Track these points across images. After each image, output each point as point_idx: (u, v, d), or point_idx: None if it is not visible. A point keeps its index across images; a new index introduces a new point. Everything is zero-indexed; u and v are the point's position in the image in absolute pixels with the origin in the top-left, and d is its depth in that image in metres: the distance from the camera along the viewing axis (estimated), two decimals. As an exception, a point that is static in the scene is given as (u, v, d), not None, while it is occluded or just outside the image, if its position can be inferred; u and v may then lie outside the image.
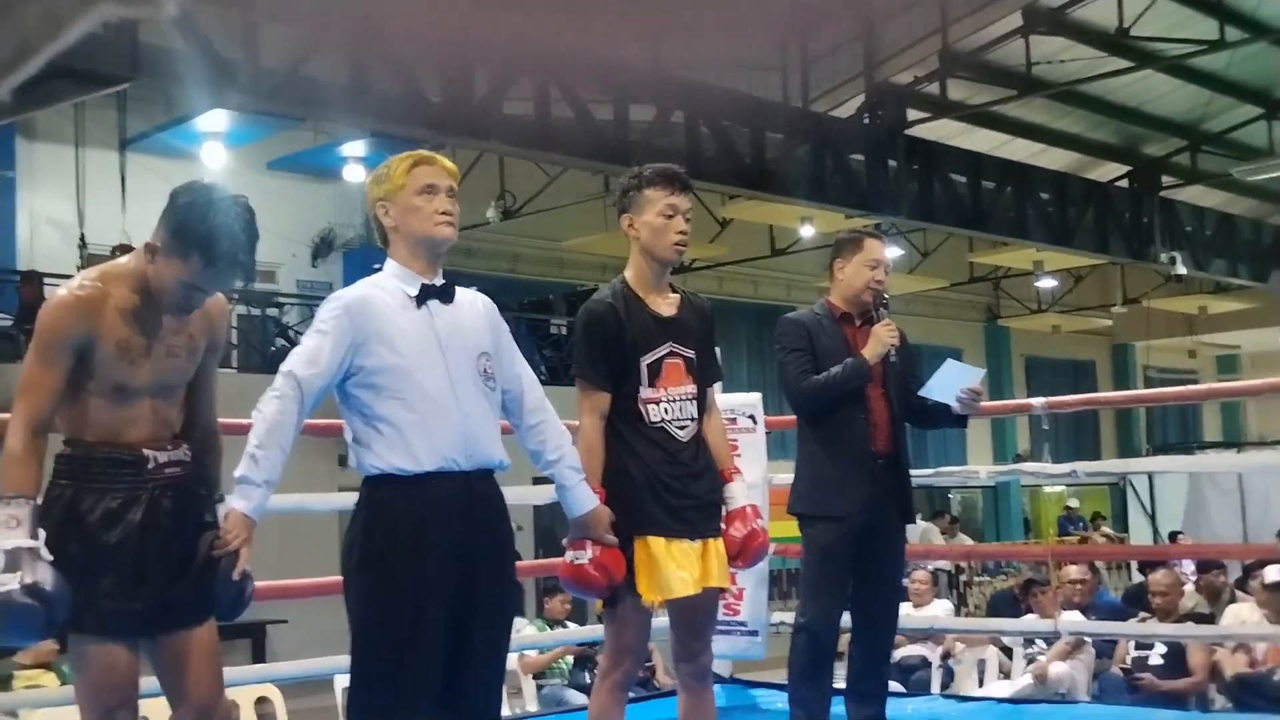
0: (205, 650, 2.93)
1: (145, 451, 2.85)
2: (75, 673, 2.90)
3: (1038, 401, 5.93)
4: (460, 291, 3.23)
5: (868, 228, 17.27)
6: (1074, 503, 22.21)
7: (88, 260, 12.27)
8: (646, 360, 3.54)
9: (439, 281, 3.18)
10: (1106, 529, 20.82)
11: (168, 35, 9.26)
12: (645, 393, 3.53)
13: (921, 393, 4.37)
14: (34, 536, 2.69)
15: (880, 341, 4.26)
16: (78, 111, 12.51)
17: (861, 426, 4.27)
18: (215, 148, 12.19)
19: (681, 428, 3.56)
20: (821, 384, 4.18)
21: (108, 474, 2.83)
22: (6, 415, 2.85)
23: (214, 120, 11.65)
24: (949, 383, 4.36)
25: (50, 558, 2.69)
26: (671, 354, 3.58)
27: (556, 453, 3.32)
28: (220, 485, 3.06)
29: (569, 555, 3.44)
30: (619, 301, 3.59)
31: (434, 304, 3.15)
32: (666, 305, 3.63)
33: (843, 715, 4.39)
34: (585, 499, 3.38)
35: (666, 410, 3.54)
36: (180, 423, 2.97)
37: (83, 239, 12.72)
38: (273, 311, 14.71)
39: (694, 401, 3.59)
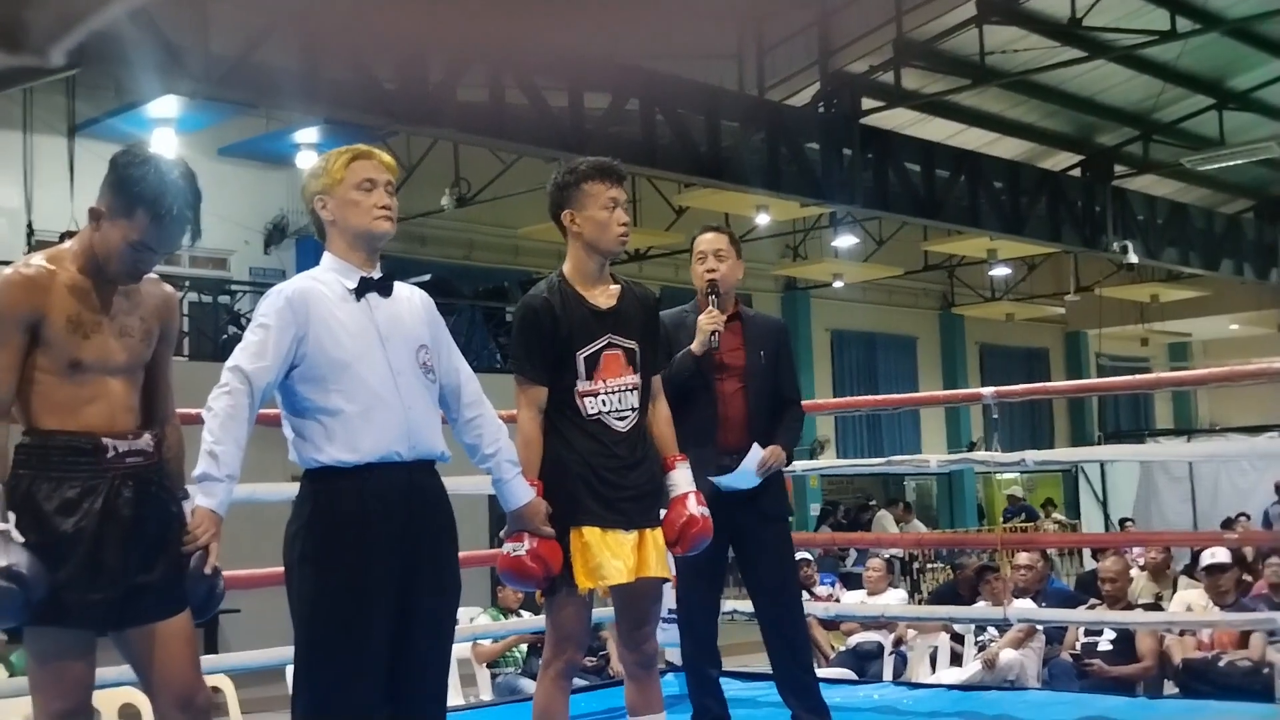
0: (178, 639, 2.90)
1: (104, 440, 2.83)
2: (31, 666, 2.87)
3: (987, 391, 5.96)
4: (398, 285, 3.23)
5: (823, 215, 17.20)
6: (1018, 491, 22.40)
7: (35, 247, 12.13)
8: (583, 353, 3.54)
9: (377, 274, 3.18)
10: (1059, 515, 21.02)
11: (117, 21, 9.16)
12: (582, 385, 3.53)
13: (723, 482, 4.30)
14: (4, 519, 2.68)
15: (701, 330, 4.30)
16: (26, 97, 12.37)
17: (707, 421, 4.29)
18: (166, 134, 12.06)
19: (621, 418, 3.55)
20: (662, 377, 4.19)
21: (66, 462, 2.80)
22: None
23: (165, 106, 11.53)
24: (749, 471, 4.32)
25: (22, 539, 2.68)
26: (610, 345, 3.57)
27: (493, 446, 3.32)
28: (185, 479, 3.03)
29: (507, 548, 3.45)
30: (555, 296, 3.58)
31: (373, 297, 3.15)
32: (605, 297, 3.62)
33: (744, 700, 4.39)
34: (522, 492, 3.38)
35: (605, 402, 3.54)
36: (140, 411, 2.94)
37: (30, 226, 12.58)
38: (224, 299, 14.61)
39: (635, 392, 3.59)
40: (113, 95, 12.12)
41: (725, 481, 4.26)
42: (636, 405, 3.59)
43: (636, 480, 3.57)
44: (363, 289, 3.13)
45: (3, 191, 13.46)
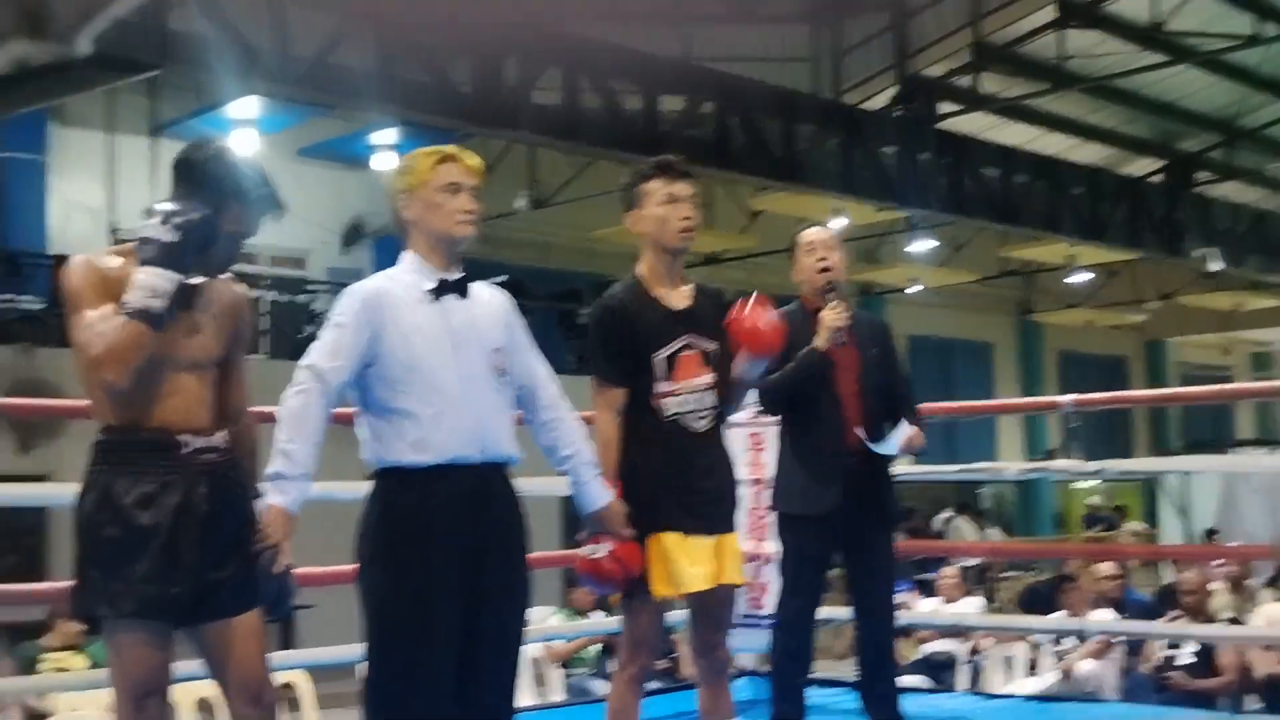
0: (250, 634, 2.91)
1: (180, 436, 2.84)
2: (110, 658, 2.89)
3: (1066, 399, 5.86)
4: (477, 286, 3.21)
5: (899, 220, 17.12)
6: (1096, 500, 22.08)
7: (118, 245, 12.32)
8: (660, 355, 3.51)
9: (456, 276, 3.16)
10: (1135, 524, 20.70)
11: (198, 23, 9.28)
12: (660, 387, 3.50)
13: (875, 448, 4.26)
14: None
15: (826, 326, 4.17)
16: (109, 97, 12.56)
17: (832, 422, 4.22)
18: (246, 134, 12.19)
19: (700, 418, 3.52)
20: (776, 382, 4.10)
21: (143, 458, 2.82)
22: (70, 402, 2.83)
23: (245, 107, 11.67)
24: (891, 446, 4.28)
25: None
26: (688, 347, 3.54)
27: (570, 448, 3.30)
28: (259, 476, 3.04)
29: (585, 550, 3.42)
30: (630, 297, 3.56)
31: (449, 298, 3.13)
32: (680, 298, 3.59)
33: (820, 706, 4.37)
34: (599, 494, 3.36)
35: (683, 403, 3.50)
36: (215, 409, 2.95)
37: (113, 224, 12.75)
38: (302, 298, 14.74)
39: (712, 392, 3.55)
40: (194, 96, 12.27)
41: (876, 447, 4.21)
42: (714, 405, 3.55)
43: (714, 483, 3.54)
44: (440, 290, 3.13)
45: (87, 190, 13.69)
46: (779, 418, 4.38)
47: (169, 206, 2.77)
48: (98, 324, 2.75)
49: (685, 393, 3.51)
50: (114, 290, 2.79)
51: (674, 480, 3.47)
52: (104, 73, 9.52)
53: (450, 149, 3.19)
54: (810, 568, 4.17)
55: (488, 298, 3.23)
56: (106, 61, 9.14)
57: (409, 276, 3.14)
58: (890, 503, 4.39)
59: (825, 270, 4.28)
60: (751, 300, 3.59)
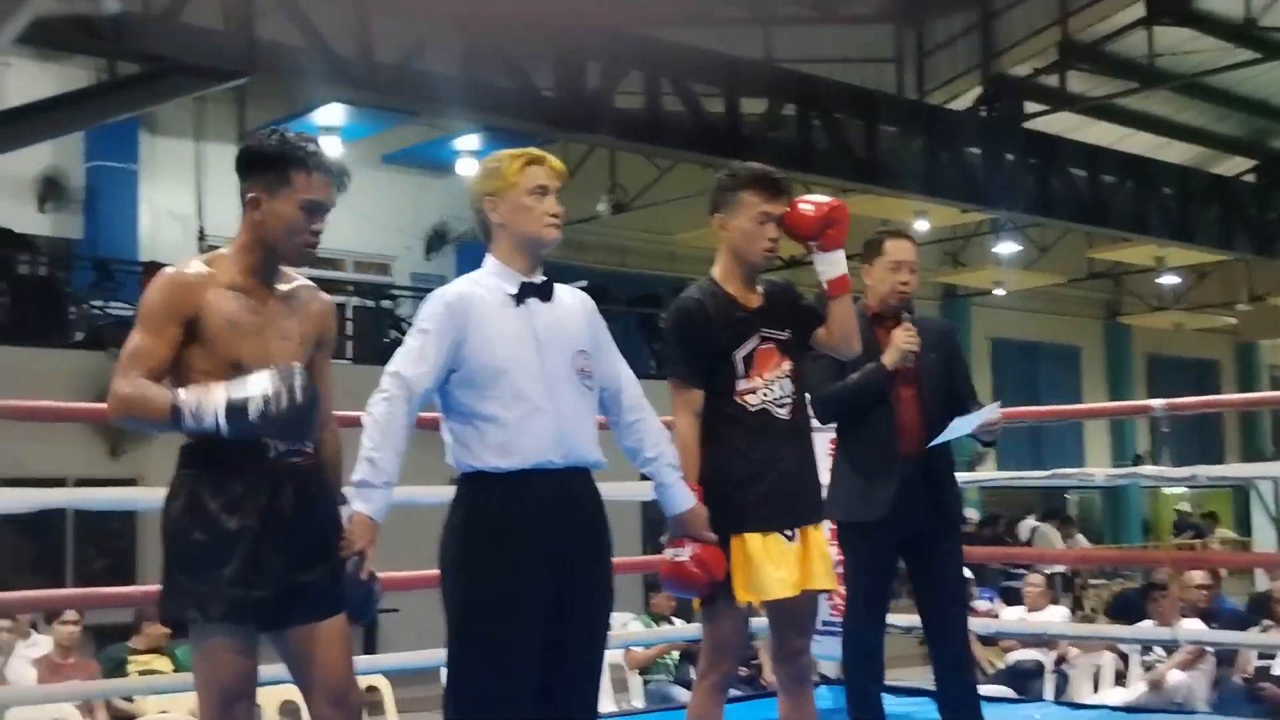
0: (335, 638, 2.92)
1: (265, 441, 2.85)
2: (196, 661, 2.91)
3: (1157, 403, 5.75)
4: (560, 289, 3.21)
5: (984, 222, 16.85)
6: (1186, 506, 21.71)
7: (207, 251, 12.52)
8: (739, 353, 3.51)
9: (539, 279, 3.16)
10: (1226, 531, 20.32)
11: (285, 31, 9.40)
12: (741, 385, 3.50)
13: (934, 443, 4.20)
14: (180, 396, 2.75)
15: (896, 348, 4.14)
16: (198, 106, 12.77)
17: (887, 430, 4.17)
18: (331, 141, 12.32)
19: (782, 406, 3.52)
20: (838, 393, 4.06)
21: (230, 462, 2.83)
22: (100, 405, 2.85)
23: (330, 114, 11.81)
24: (964, 425, 4.21)
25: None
26: (763, 341, 3.54)
27: (654, 450, 3.29)
28: (342, 482, 3.06)
29: (668, 554, 3.40)
30: (707, 297, 3.56)
31: (533, 302, 3.13)
32: (754, 298, 3.59)
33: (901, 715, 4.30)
34: (683, 497, 3.35)
35: (765, 394, 3.50)
36: None
37: (202, 231, 12.98)
38: (387, 304, 14.88)
39: (790, 379, 3.55)
40: (281, 104, 12.44)
41: (947, 434, 4.18)
42: (794, 391, 3.54)
43: (798, 471, 3.52)
44: (523, 294, 3.12)
45: (176, 197, 13.92)
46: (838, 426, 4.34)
47: (270, 389, 2.73)
48: (144, 386, 2.77)
49: (765, 386, 3.51)
50: (184, 309, 2.83)
51: (757, 478, 3.45)
52: (192, 81, 9.67)
53: (536, 151, 3.18)
54: (871, 575, 4.11)
55: (570, 301, 3.22)
56: (195, 70, 9.29)
57: (492, 280, 3.14)
58: (950, 506, 4.33)
59: (903, 291, 4.25)
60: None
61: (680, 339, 3.55)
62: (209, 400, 2.72)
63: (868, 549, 4.13)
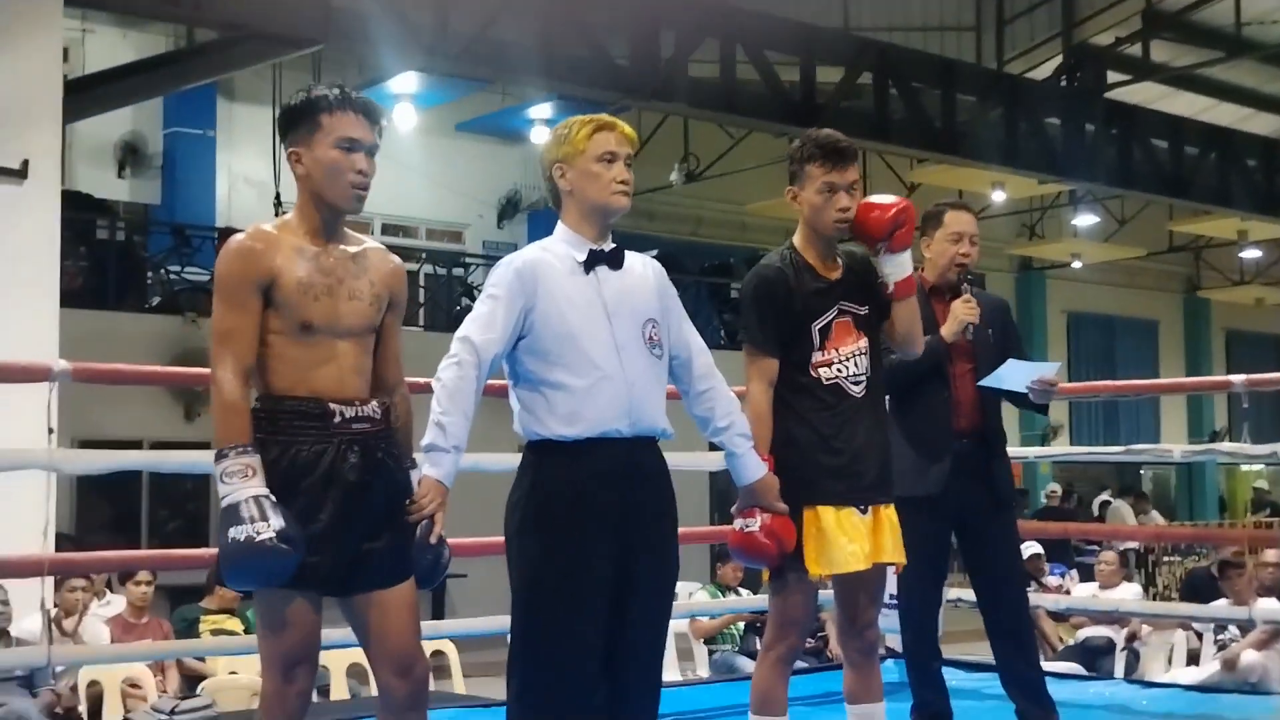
0: (402, 606, 2.92)
1: (331, 405, 2.85)
2: (260, 624, 2.92)
3: (1238, 379, 5.65)
4: (630, 256, 3.19)
5: (1062, 193, 16.64)
6: (1263, 484, 21.35)
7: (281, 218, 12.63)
8: (816, 324, 3.48)
9: (608, 247, 3.14)
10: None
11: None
12: (817, 356, 3.47)
13: (984, 383, 4.17)
14: (262, 484, 2.74)
15: (957, 319, 4.10)
16: (275, 73, 12.85)
17: (942, 405, 4.14)
18: (406, 109, 12.38)
19: (856, 382, 3.48)
20: (895, 366, 3.98)
21: (294, 426, 2.83)
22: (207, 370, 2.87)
23: (405, 82, 11.83)
24: (1019, 374, 4.16)
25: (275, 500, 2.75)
26: (840, 314, 3.51)
27: (725, 419, 3.27)
28: (413, 448, 3.06)
29: (738, 524, 3.38)
30: (788, 266, 3.52)
31: (602, 270, 3.11)
32: (833, 269, 3.56)
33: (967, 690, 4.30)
34: (754, 466, 3.32)
35: (840, 369, 3.47)
36: (369, 378, 2.97)
37: (278, 197, 13.07)
38: (459, 271, 14.96)
39: (865, 356, 3.52)
40: (356, 71, 12.50)
41: (1001, 374, 4.14)
42: (869, 369, 3.51)
43: (872, 449, 3.48)
44: (592, 261, 3.11)
45: (252, 163, 14.05)
46: (891, 400, 4.30)
47: (254, 534, 2.69)
48: (236, 402, 2.80)
49: (840, 360, 3.48)
50: (259, 277, 2.83)
51: (831, 452, 3.42)
52: (269, 47, 9.73)
53: (606, 117, 3.16)
54: (926, 551, 4.05)
55: (641, 269, 3.20)
56: (271, 37, 9.35)
57: (562, 247, 3.13)
58: (1002, 482, 4.30)
59: (963, 263, 4.21)
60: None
61: (758, 307, 3.53)
62: (243, 485, 2.73)
63: (922, 524, 4.08)
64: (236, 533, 2.68)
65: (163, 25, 12.63)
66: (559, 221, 3.18)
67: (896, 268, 3.54)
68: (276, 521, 2.69)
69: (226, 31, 9.64)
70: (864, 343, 3.52)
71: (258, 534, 2.67)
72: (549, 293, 3.05)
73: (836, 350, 3.48)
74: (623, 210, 3.14)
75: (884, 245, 3.51)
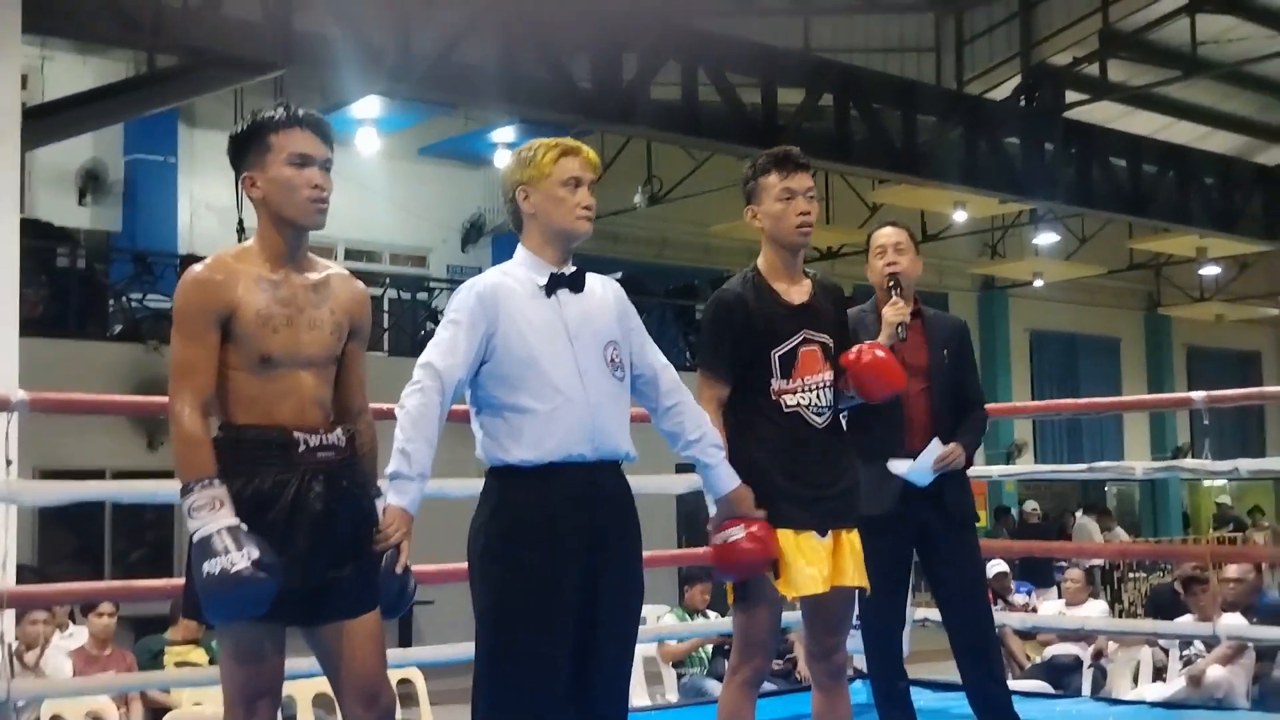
0: (368, 636, 2.90)
1: (295, 434, 2.83)
2: (223, 657, 2.90)
3: (1198, 395, 5.69)
4: (590, 278, 3.18)
5: (1023, 212, 16.73)
6: (1225, 499, 21.51)
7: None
8: (779, 351, 3.47)
9: (569, 270, 3.14)
10: (1269, 524, 20.12)
11: (321, 23, 9.41)
12: (778, 384, 3.46)
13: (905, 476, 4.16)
14: (231, 514, 2.71)
15: (888, 322, 4.03)
16: (236, 98, 12.80)
17: (896, 424, 4.13)
18: (368, 134, 12.34)
19: (819, 414, 3.48)
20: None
21: (257, 456, 2.81)
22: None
23: (367, 107, 11.80)
24: (921, 466, 4.14)
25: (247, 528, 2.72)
26: (806, 341, 3.50)
27: (696, 432, 3.26)
28: (378, 475, 3.04)
29: (719, 538, 3.35)
30: (748, 290, 3.52)
31: (564, 293, 3.11)
32: (799, 292, 3.55)
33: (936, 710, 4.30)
34: (728, 476, 3.32)
35: (802, 399, 3.47)
36: (332, 406, 2.95)
37: (241, 224, 13.02)
38: (423, 296, 14.91)
39: (831, 389, 3.52)
40: (318, 96, 12.46)
41: (901, 472, 4.13)
42: (832, 402, 3.52)
43: (833, 478, 3.48)
44: (553, 285, 3.10)
45: (215, 189, 13.98)
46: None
47: (230, 566, 2.66)
48: (197, 435, 2.77)
49: (804, 390, 3.47)
50: (219, 309, 2.81)
51: (790, 476, 3.42)
52: (230, 73, 9.70)
53: (570, 141, 3.16)
54: (882, 569, 4.03)
55: (601, 291, 3.20)
56: (232, 62, 9.32)
57: (522, 271, 3.12)
58: (958, 502, 4.27)
59: (892, 270, 4.20)
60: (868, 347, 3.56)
61: (714, 330, 3.53)
62: (213, 518, 2.69)
63: (878, 543, 4.08)
64: (211, 566, 2.65)
65: (123, 51, 12.57)
66: (519, 245, 3.18)
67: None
68: (251, 550, 2.66)
69: (187, 57, 9.61)
70: (829, 375, 3.52)
71: (233, 565, 2.64)
72: (510, 317, 3.04)
73: (803, 380, 3.47)
74: (585, 235, 3.14)
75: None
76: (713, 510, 3.38)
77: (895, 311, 4.07)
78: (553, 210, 3.10)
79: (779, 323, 3.49)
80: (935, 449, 4.10)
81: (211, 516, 2.69)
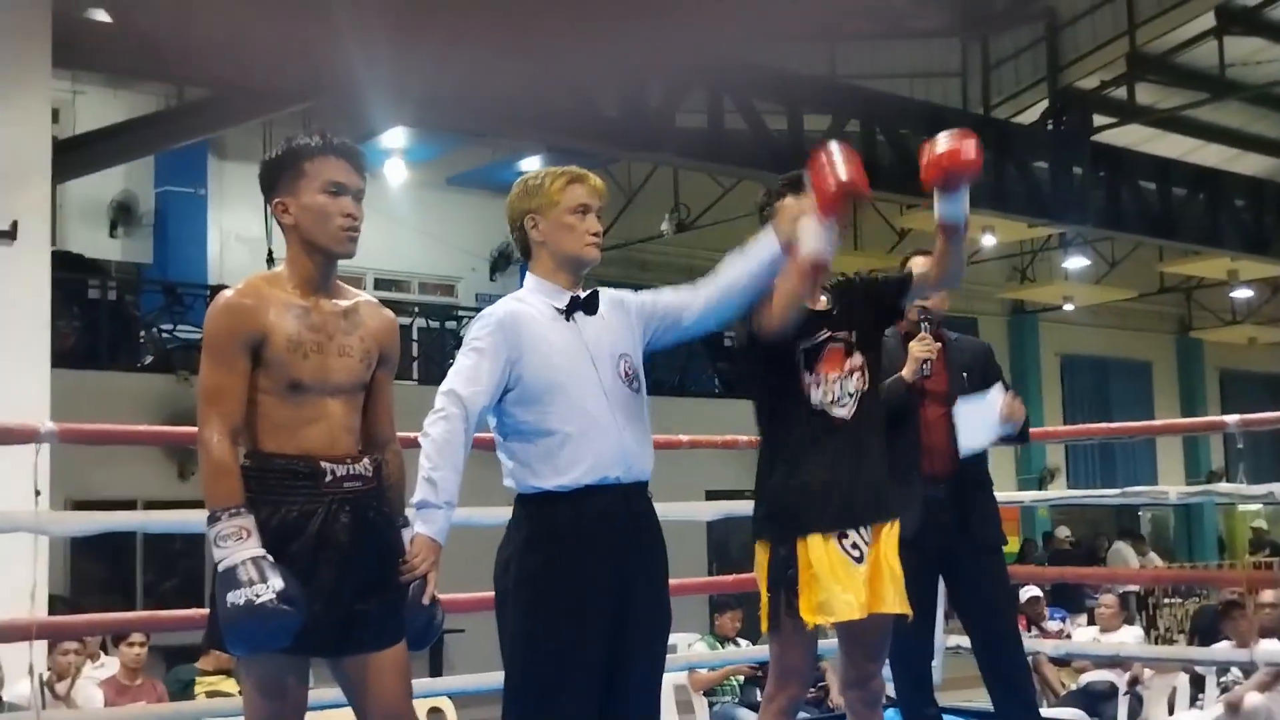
0: (394, 669, 2.87)
1: (322, 464, 2.81)
2: (246, 690, 2.87)
3: (1232, 419, 5.64)
4: (602, 295, 3.18)
5: (1052, 236, 16.66)
6: (1261, 523, 21.30)
7: (274, 275, 12.64)
8: (805, 345, 3.47)
9: (584, 293, 3.14)
10: (1307, 549, 19.92)
11: (348, 54, 9.47)
12: (805, 378, 3.46)
13: (964, 452, 4.15)
14: (258, 544, 2.70)
15: (913, 358, 4.10)
16: (265, 130, 12.88)
17: (911, 450, 4.14)
18: (396, 164, 12.43)
19: (842, 405, 3.47)
20: None
21: (284, 485, 2.79)
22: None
23: (395, 137, 11.89)
24: (980, 425, 4.11)
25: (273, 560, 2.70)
26: (831, 339, 3.50)
27: (726, 268, 3.20)
28: (405, 505, 3.02)
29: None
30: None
31: (580, 316, 3.11)
32: (820, 303, 3.57)
33: None
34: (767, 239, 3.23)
35: (826, 393, 3.46)
36: (360, 435, 2.93)
37: (270, 255, 13.08)
38: (451, 324, 14.94)
39: (853, 379, 3.50)
40: (346, 127, 12.54)
41: (965, 436, 4.09)
42: (861, 388, 3.50)
43: (860, 471, 3.45)
44: (571, 308, 3.10)
45: (244, 221, 14.07)
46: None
47: (256, 597, 2.64)
48: (225, 463, 2.76)
49: (827, 384, 3.47)
50: (249, 335, 2.80)
51: (817, 476, 3.41)
52: (259, 105, 9.76)
53: (577, 170, 3.17)
54: (909, 594, 4.04)
55: (607, 309, 3.19)
56: (261, 94, 9.38)
57: (537, 298, 3.12)
58: (983, 526, 4.26)
59: (923, 305, 4.19)
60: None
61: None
62: (239, 548, 2.68)
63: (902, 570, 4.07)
64: (235, 597, 2.63)
65: (153, 84, 12.67)
66: (529, 273, 3.18)
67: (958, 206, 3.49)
68: (276, 582, 2.64)
69: (216, 90, 9.69)
70: (858, 359, 3.51)
71: (258, 596, 2.62)
72: (533, 343, 3.03)
73: (825, 375, 3.47)
74: (594, 262, 3.15)
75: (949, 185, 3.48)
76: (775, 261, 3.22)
77: (922, 348, 4.09)
78: (564, 237, 3.11)
79: (804, 322, 3.46)
80: (996, 397, 4.06)
81: (238, 546, 2.68)
